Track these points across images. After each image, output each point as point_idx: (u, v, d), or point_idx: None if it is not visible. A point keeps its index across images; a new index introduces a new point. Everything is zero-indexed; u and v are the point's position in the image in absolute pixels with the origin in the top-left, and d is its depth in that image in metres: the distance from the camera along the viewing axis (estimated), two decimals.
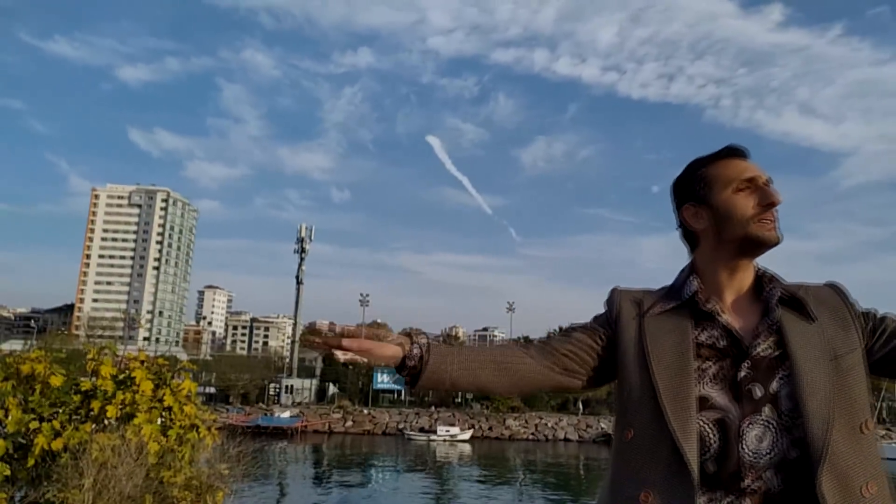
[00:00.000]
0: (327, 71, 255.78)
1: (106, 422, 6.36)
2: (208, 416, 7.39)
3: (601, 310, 1.34)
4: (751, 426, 1.10)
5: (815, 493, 1.04)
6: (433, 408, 50.76)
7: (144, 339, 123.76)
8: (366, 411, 48.47)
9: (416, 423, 46.21)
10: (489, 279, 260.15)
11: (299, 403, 51.71)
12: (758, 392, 1.12)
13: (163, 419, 6.65)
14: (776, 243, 1.21)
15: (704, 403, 1.13)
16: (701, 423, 1.11)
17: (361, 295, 71.58)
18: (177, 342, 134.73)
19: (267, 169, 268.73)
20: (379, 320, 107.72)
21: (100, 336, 66.19)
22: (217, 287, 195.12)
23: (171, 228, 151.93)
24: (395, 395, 54.63)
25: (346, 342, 1.15)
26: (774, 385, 1.12)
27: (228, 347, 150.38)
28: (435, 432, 42.68)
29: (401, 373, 1.23)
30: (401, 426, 45.40)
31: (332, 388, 55.04)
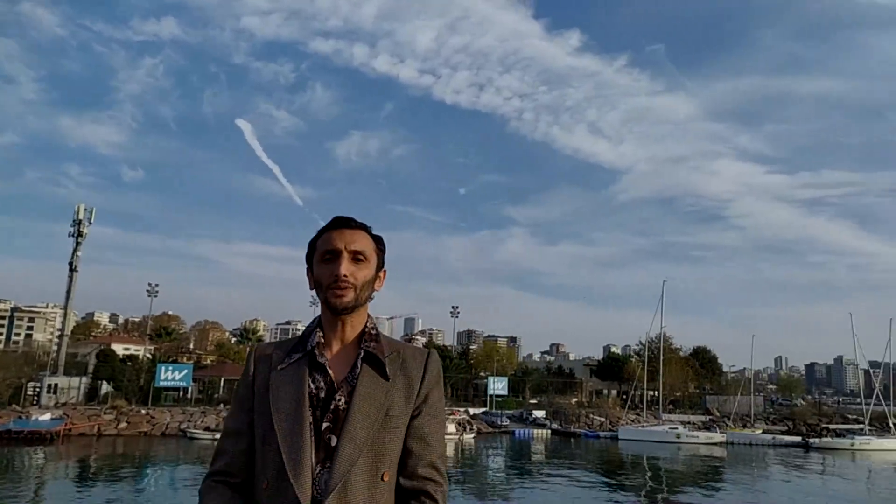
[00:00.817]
0: (124, 37, 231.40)
1: None
2: None
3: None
4: (321, 472, 1.33)
5: None
6: (222, 405, 48.41)
7: None
8: (143, 411, 44.69)
9: (202, 422, 43.73)
10: (294, 272, 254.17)
11: (64, 404, 46.18)
12: (334, 440, 1.34)
13: None
14: (339, 310, 1.44)
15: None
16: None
17: (150, 285, 65.80)
18: None
19: (43, 138, 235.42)
20: (170, 312, 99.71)
21: None
22: None
23: None
24: (180, 394, 51.16)
25: None
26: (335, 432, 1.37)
27: None
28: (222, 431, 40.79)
29: None
30: (183, 426, 42.63)
31: (105, 387, 49.96)
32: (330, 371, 1.42)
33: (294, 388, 1.40)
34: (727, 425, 56.25)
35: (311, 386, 1.40)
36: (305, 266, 1.55)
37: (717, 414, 64.73)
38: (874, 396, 56.08)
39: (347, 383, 1.41)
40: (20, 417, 39.76)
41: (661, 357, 60.47)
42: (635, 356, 74.01)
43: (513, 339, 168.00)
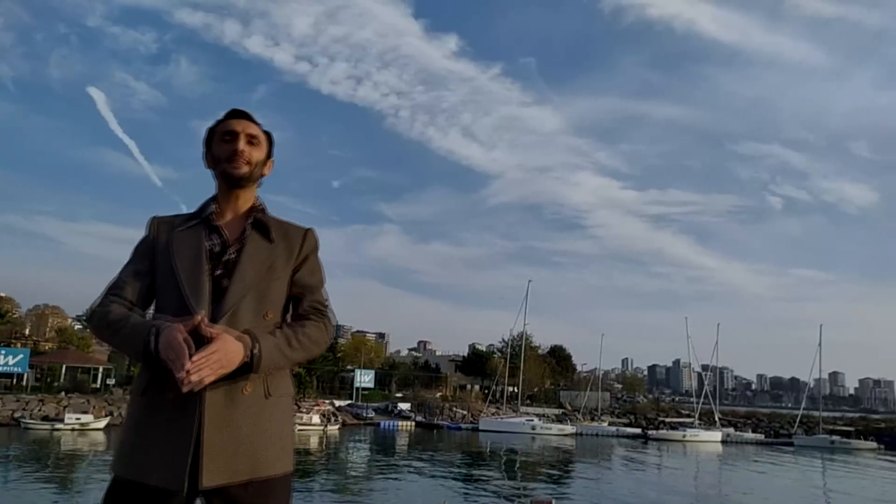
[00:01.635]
0: None
1: None
2: None
3: None
4: (215, 309, 1.61)
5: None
6: (63, 394, 44.48)
7: None
8: None
9: (39, 410, 39.92)
10: None
11: None
12: (225, 283, 1.65)
13: None
14: (235, 180, 1.75)
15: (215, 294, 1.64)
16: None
17: None
18: None
19: None
20: (2, 294, 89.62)
21: None
22: None
23: None
24: (13, 381, 46.35)
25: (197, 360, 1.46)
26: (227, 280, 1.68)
27: None
28: (62, 420, 37.50)
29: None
30: (17, 415, 38.73)
31: None
32: (224, 232, 1.73)
33: (193, 244, 1.70)
34: (578, 418, 60.50)
35: (207, 244, 1.71)
36: (203, 150, 1.84)
37: (570, 408, 69.27)
38: (703, 395, 62.68)
39: (238, 242, 1.72)
40: None
41: (523, 354, 63.58)
42: (498, 353, 77.10)
43: (381, 335, 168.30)
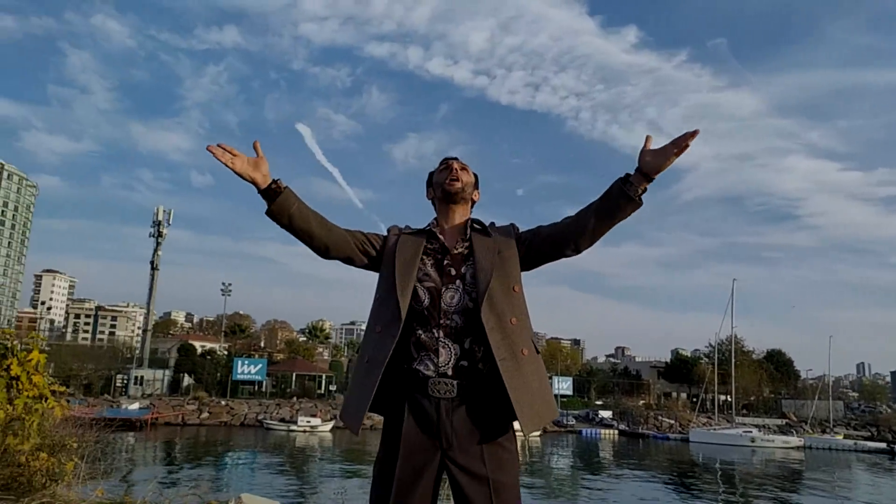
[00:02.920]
0: (189, 46, 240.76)
1: None
2: (58, 387, 7.29)
3: None
4: (446, 289, 1.98)
5: (481, 325, 1.86)
6: (295, 399, 50.12)
7: None
8: (223, 402, 46.86)
9: (277, 413, 45.45)
10: (358, 274, 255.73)
11: (150, 395, 48.89)
12: (453, 271, 2.01)
13: (10, 389, 6.52)
14: (452, 194, 2.17)
15: (425, 278, 2.01)
16: (417, 286, 1.99)
17: (224, 284, 68.85)
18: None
19: (117, 146, 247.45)
20: (242, 311, 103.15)
21: None
22: (57, 271, 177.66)
23: (5, 205, 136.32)
24: (256, 387, 53.23)
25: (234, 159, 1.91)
26: (463, 268, 2.02)
27: (69, 336, 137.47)
28: (296, 423, 42.27)
29: (263, 194, 1.95)
30: (261, 417, 44.45)
31: (187, 380, 52.54)
32: (442, 237, 2.11)
33: (413, 245, 2.08)
34: (805, 430, 54.07)
35: (428, 245, 2.09)
36: (426, 188, 2.32)
37: (794, 418, 62.23)
38: None
39: (462, 241, 2.11)
40: (112, 406, 42.38)
41: (733, 360, 58.65)
42: (705, 358, 71.91)
43: (576, 341, 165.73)
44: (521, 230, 2.17)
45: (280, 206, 1.93)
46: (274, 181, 1.94)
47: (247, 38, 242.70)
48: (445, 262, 2.02)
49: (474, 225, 2.16)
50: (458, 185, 2.14)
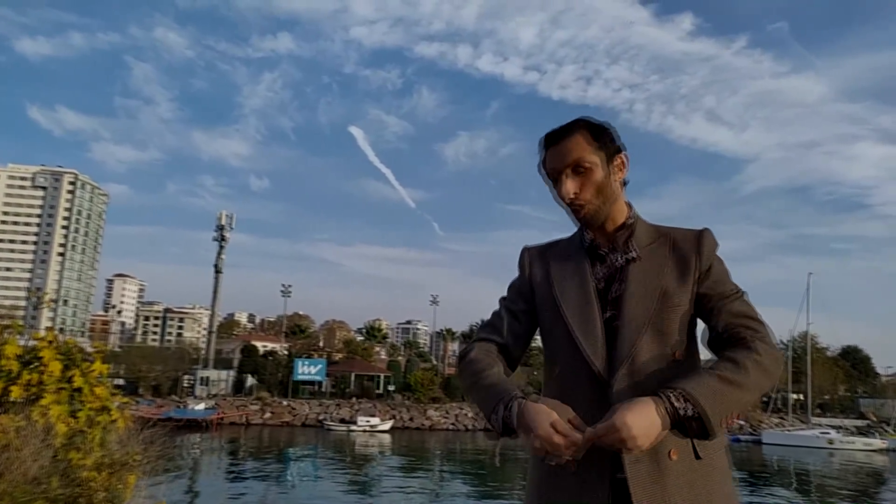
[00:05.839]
0: (245, 55, 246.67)
1: (10, 403, 6.10)
2: (121, 398, 7.20)
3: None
4: (612, 357, 1.35)
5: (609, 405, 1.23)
6: (354, 399, 50.51)
7: (47, 328, 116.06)
8: (285, 402, 47.67)
9: (337, 413, 45.88)
10: (412, 272, 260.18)
11: (215, 395, 50.19)
12: (616, 325, 1.37)
13: (72, 401, 6.44)
14: (585, 223, 1.46)
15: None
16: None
17: (283, 286, 70.27)
18: (82, 332, 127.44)
19: (180, 154, 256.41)
20: (301, 312, 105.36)
21: None
22: (127, 276, 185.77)
23: (79, 213, 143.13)
24: (316, 387, 53.97)
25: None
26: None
27: (139, 338, 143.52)
28: (355, 423, 42.55)
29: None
30: (321, 417, 44.96)
31: (250, 380, 53.73)
32: (608, 257, 1.46)
33: (578, 281, 1.45)
34: (888, 431, 50.94)
35: (593, 282, 1.44)
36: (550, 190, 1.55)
37: (875, 419, 58.81)
38: None
39: (621, 272, 1.43)
40: (179, 406, 43.71)
41: (809, 357, 55.90)
42: None
43: None
44: (709, 247, 1.44)
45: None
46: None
47: (300, 44, 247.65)
48: (607, 313, 1.41)
49: (636, 234, 1.46)
50: (583, 214, 1.44)
